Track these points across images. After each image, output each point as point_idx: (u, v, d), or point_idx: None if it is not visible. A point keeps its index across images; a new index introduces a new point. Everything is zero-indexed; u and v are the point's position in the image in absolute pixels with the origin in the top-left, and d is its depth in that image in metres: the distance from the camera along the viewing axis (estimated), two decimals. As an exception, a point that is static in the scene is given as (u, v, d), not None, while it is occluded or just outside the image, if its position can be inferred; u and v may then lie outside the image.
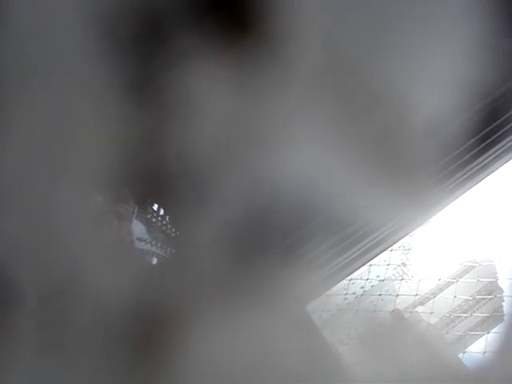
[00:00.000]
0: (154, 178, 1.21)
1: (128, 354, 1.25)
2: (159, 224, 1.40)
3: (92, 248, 1.15)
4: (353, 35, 1.27)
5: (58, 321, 1.14)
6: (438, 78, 1.32)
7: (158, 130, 1.16)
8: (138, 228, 1.36)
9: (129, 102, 1.10)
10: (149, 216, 1.38)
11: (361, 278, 2.48)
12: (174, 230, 1.41)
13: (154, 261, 1.38)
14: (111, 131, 1.11)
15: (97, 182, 1.12)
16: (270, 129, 1.25)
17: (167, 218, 1.41)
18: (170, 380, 1.23)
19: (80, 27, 1.07)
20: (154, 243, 1.39)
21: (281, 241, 1.50)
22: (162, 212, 1.40)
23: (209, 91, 1.20)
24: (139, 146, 1.15)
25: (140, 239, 1.38)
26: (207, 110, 1.20)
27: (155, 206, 1.39)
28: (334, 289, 2.08)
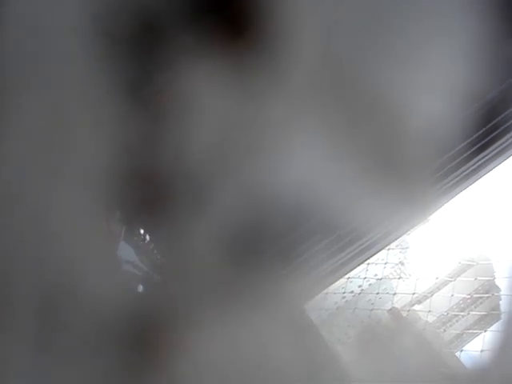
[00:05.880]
0: (151, 179, 1.21)
1: (127, 356, 1.25)
2: (146, 248, 1.37)
3: (87, 251, 1.15)
4: (351, 37, 1.27)
5: (56, 323, 1.14)
6: (434, 80, 1.32)
7: (156, 131, 1.17)
8: (125, 250, 1.34)
9: (126, 103, 1.10)
10: (135, 238, 1.36)
11: (359, 277, 2.49)
12: (159, 256, 1.39)
13: (140, 284, 1.36)
14: (109, 132, 1.11)
15: (95, 185, 1.12)
16: (268, 131, 1.26)
17: (153, 244, 1.39)
18: (169, 382, 1.23)
19: (78, 28, 1.07)
20: (140, 266, 1.36)
21: (278, 240, 1.50)
22: (147, 237, 1.38)
23: (207, 93, 1.20)
24: (137, 147, 1.15)
25: (127, 261, 1.35)
26: (205, 112, 1.20)
27: (142, 231, 1.37)
28: (332, 287, 2.08)
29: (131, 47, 1.09)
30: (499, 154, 1.70)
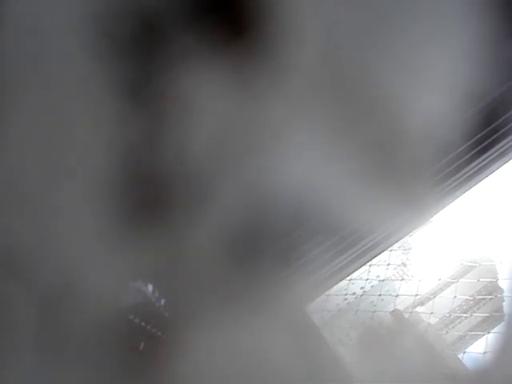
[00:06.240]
0: (151, 178, 1.21)
1: (127, 356, 1.25)
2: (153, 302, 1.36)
3: (87, 251, 1.15)
4: (351, 37, 1.27)
5: (58, 323, 1.14)
6: (436, 81, 1.32)
7: (156, 131, 1.17)
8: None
9: (126, 104, 1.11)
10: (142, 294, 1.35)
11: (361, 279, 2.48)
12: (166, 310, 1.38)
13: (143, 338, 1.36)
14: (109, 132, 1.11)
15: (95, 185, 1.13)
16: (268, 131, 1.26)
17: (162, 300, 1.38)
18: (169, 382, 1.23)
19: (78, 28, 1.07)
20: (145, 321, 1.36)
21: (279, 241, 1.50)
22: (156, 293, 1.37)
23: (207, 93, 1.20)
24: (137, 147, 1.15)
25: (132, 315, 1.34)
26: (205, 112, 1.21)
27: (150, 287, 1.36)
28: (334, 289, 2.07)
29: (131, 47, 1.09)
30: (501, 156, 1.70)
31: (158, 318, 1.37)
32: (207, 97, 1.23)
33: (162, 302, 1.39)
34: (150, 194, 1.23)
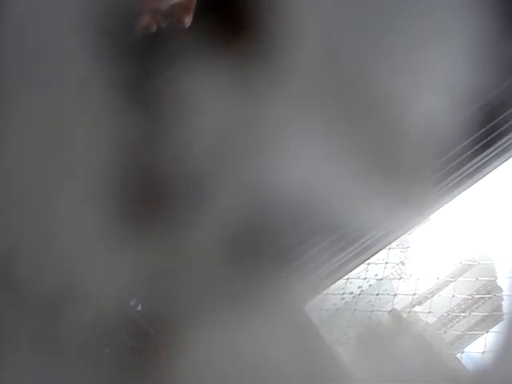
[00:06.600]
0: (153, 180, 1.21)
1: (127, 356, 1.26)
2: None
3: (87, 251, 1.15)
4: (351, 36, 1.27)
5: (56, 322, 1.14)
6: (435, 79, 1.32)
7: (155, 131, 1.17)
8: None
9: (126, 103, 1.11)
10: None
11: (359, 277, 2.48)
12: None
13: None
14: (109, 132, 1.11)
15: (95, 185, 1.13)
16: (268, 131, 1.26)
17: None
18: (169, 382, 1.23)
19: (78, 28, 1.07)
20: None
21: (278, 240, 1.50)
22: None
23: (207, 93, 1.20)
24: (137, 147, 1.15)
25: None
26: (205, 112, 1.21)
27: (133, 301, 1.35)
28: (332, 288, 2.07)
29: (131, 47, 1.09)
30: (500, 155, 1.70)
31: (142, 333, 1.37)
32: (207, 96, 1.23)
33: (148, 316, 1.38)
34: (150, 194, 1.23)
